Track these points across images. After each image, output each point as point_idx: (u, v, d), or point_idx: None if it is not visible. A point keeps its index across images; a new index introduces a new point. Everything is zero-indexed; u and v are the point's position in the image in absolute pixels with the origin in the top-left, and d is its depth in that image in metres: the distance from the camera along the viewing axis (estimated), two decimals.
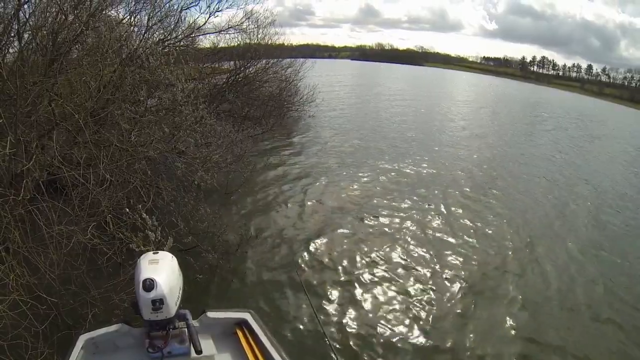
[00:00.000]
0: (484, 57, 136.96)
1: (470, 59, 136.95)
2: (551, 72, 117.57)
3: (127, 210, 3.93)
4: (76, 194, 3.77)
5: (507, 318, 4.83)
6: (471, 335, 4.49)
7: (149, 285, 1.47)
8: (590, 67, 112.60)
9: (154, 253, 1.66)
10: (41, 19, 4.44)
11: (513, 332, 4.64)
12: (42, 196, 3.60)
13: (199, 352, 1.57)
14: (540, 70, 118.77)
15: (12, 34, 4.21)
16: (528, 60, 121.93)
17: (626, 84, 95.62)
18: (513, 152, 14.32)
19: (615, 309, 5.33)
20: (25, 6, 4.24)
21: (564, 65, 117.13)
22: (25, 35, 4.35)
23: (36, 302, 3.08)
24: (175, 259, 1.67)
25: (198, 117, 5.18)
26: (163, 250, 1.73)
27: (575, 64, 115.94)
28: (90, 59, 4.65)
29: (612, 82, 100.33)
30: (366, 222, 7.12)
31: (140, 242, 3.88)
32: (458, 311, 4.90)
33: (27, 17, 4.37)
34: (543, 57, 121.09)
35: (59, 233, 3.39)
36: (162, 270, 1.55)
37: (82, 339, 1.63)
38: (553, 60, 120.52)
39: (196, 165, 5.35)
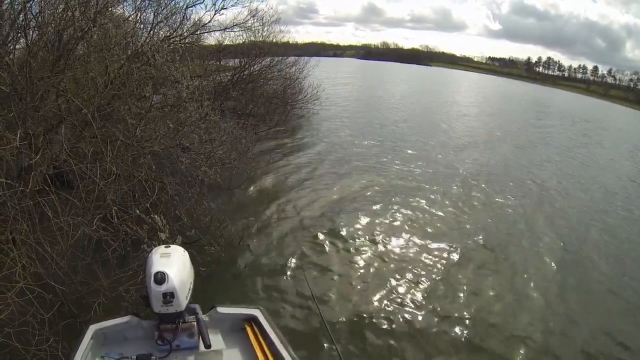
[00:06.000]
0: (489, 57, 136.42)
1: (476, 59, 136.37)
2: (557, 73, 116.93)
3: (137, 212, 4.02)
4: (82, 187, 3.84)
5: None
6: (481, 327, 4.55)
7: (161, 278, 1.50)
8: (596, 68, 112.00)
9: (165, 247, 1.67)
10: (48, 15, 4.51)
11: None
12: (49, 188, 3.67)
13: (207, 346, 1.59)
14: (546, 71, 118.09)
15: (20, 30, 4.29)
16: (533, 61, 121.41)
17: (632, 86, 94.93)
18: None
19: None
20: (33, 2, 4.32)
21: (570, 67, 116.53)
22: (33, 32, 4.43)
23: (42, 290, 3.15)
24: (186, 253, 1.68)
25: (202, 114, 5.26)
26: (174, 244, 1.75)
27: (581, 65, 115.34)
28: (97, 55, 4.73)
29: (617, 84, 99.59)
30: (370, 216, 7.17)
31: (145, 236, 3.97)
32: (475, 305, 4.93)
33: (34, 13, 4.45)
34: (549, 58, 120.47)
35: (65, 224, 3.46)
36: (173, 264, 1.57)
37: (91, 329, 1.65)
38: (559, 62, 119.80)
39: (200, 160, 5.41)
